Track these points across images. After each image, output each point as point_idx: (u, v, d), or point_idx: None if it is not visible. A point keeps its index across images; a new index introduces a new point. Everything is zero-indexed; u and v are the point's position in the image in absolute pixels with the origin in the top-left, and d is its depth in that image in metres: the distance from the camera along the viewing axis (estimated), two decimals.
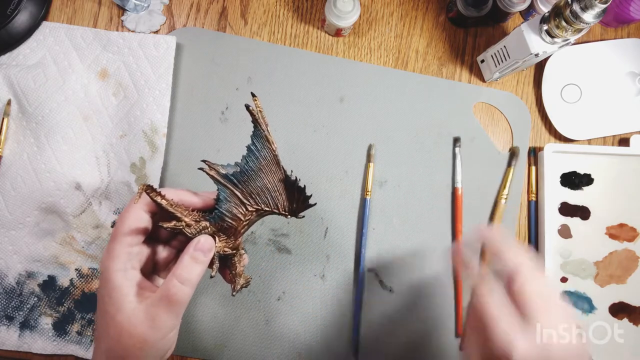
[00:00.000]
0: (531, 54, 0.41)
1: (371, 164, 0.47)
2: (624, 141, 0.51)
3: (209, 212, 0.30)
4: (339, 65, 0.50)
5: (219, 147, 0.47)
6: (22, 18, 0.44)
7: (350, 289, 0.47)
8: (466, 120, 0.50)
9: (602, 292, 0.48)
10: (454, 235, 0.48)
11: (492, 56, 0.48)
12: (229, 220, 0.30)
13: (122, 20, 0.47)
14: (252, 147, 0.29)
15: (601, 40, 0.52)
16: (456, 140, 0.49)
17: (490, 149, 0.50)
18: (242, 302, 0.46)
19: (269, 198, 0.30)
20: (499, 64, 0.47)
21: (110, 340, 0.28)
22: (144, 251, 0.30)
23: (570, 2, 0.37)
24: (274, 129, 0.48)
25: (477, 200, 0.49)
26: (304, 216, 0.31)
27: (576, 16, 0.37)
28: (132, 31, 0.47)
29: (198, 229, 0.29)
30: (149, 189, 0.27)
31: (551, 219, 0.49)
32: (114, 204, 0.44)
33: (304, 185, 0.30)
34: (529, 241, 0.49)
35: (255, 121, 0.29)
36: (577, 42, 0.51)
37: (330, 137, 0.48)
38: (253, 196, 0.30)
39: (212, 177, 0.29)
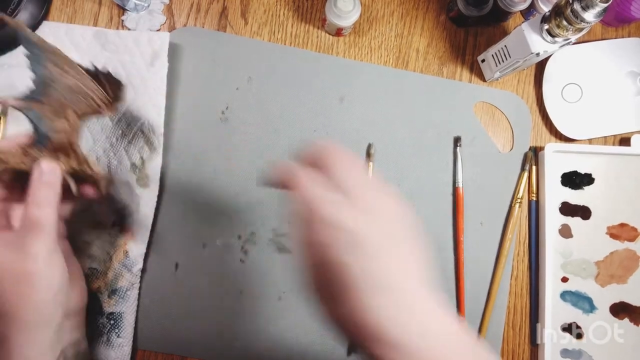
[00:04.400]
0: (532, 53, 0.41)
1: (371, 164, 0.47)
2: (624, 141, 0.51)
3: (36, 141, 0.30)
4: (339, 65, 0.50)
5: (219, 147, 0.47)
6: (22, 18, 0.44)
7: None
8: (467, 120, 0.50)
9: (603, 292, 0.48)
10: (455, 234, 0.48)
11: (492, 56, 0.48)
12: (56, 135, 0.29)
13: (123, 20, 0.47)
14: (29, 56, 0.28)
15: (602, 39, 0.52)
16: (457, 140, 0.49)
17: (490, 148, 0.50)
18: (243, 302, 0.46)
19: (81, 98, 0.30)
20: (500, 63, 0.47)
21: None
22: None
23: (571, 2, 0.37)
24: (274, 129, 0.48)
25: (477, 200, 0.49)
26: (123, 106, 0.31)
27: (577, 15, 0.37)
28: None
29: (31, 159, 0.29)
30: None
31: (552, 219, 0.49)
32: (114, 204, 0.44)
33: (107, 71, 0.29)
34: (530, 241, 0.49)
35: (16, 28, 0.28)
36: (577, 42, 0.51)
37: (330, 136, 0.48)
38: (64, 102, 0.29)
39: (8, 106, 0.29)
